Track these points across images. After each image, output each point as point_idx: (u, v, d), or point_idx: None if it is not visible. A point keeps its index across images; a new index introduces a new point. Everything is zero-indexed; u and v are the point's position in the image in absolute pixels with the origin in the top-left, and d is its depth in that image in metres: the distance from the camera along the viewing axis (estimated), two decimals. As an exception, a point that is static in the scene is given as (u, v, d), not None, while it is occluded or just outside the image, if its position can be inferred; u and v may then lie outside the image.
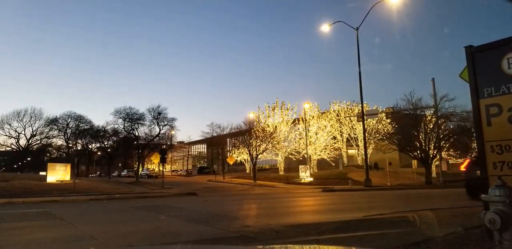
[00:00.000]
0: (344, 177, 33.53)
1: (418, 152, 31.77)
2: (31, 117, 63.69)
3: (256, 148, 38.86)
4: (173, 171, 78.71)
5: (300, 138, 46.34)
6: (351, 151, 53.05)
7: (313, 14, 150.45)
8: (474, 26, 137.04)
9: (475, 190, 10.88)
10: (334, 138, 48.48)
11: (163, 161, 31.34)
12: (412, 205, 11.49)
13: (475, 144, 26.13)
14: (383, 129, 44.46)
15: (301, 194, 20.11)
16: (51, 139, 67.25)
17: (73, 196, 18.08)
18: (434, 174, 33.96)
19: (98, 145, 64.47)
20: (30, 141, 66.37)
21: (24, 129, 64.02)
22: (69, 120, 62.79)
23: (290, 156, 47.21)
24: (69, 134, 63.62)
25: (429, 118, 32.93)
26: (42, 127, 64.37)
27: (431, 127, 32.05)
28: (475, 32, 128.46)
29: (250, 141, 39.41)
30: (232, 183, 35.45)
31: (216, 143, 56.91)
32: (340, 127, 49.46)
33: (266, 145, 40.30)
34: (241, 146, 44.73)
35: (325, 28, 28.67)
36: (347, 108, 50.30)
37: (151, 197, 18.63)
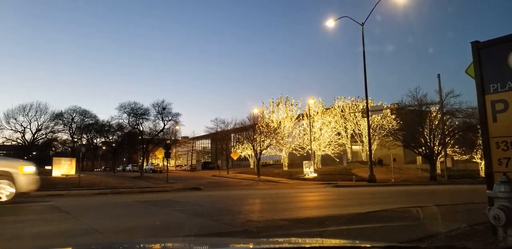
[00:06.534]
0: (348, 173, 33.49)
1: (423, 148, 31.65)
2: (37, 112, 63.82)
3: (260, 144, 38.88)
4: (177, 166, 79.00)
5: (304, 134, 46.28)
6: (356, 147, 52.97)
7: (318, 11, 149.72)
8: (480, 21, 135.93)
9: None
10: (339, 134, 48.38)
11: (167, 156, 31.48)
12: (416, 201, 11.48)
13: (480, 141, 26.01)
14: (388, 125, 44.31)
15: (305, 190, 20.12)
16: (56, 134, 67.52)
17: (78, 190, 18.19)
18: (438, 171, 33.87)
19: (103, 139, 64.76)
20: (35, 136, 66.58)
21: (30, 124, 64.20)
22: (74, 114, 63.02)
23: (294, 151, 47.20)
24: (74, 129, 63.89)
25: (434, 114, 32.77)
26: (48, 121, 64.49)
27: (436, 123, 31.89)
28: (480, 27, 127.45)
29: (254, 137, 39.43)
30: (236, 178, 35.53)
31: (220, 139, 57.07)
32: (345, 123, 49.32)
33: (270, 140, 40.30)
34: (245, 141, 44.78)
35: (330, 23, 28.52)
36: (352, 104, 50.11)
37: (155, 191, 18.71)
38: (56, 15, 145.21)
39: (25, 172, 11.53)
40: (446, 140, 31.77)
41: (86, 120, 63.19)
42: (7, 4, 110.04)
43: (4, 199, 10.81)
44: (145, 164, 53.41)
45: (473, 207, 7.99)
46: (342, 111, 49.12)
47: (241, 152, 50.51)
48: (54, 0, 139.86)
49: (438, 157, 32.45)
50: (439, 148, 31.07)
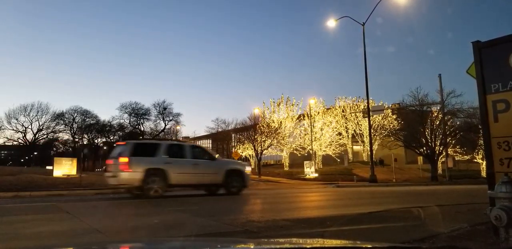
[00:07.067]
0: (349, 173, 33.46)
1: (424, 148, 31.65)
2: (38, 112, 64.03)
3: (261, 144, 38.87)
4: (178, 166, 78.83)
5: (305, 134, 46.29)
6: (357, 147, 52.94)
7: (318, 11, 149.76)
8: (480, 22, 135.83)
9: None
10: (340, 134, 48.37)
11: (168, 156, 31.40)
12: (418, 201, 11.46)
13: (482, 141, 25.99)
14: (389, 125, 44.29)
15: (306, 190, 20.11)
16: (57, 134, 67.70)
17: (79, 190, 18.16)
18: (440, 171, 33.85)
19: (104, 139, 64.84)
20: (36, 136, 66.83)
21: (31, 124, 64.43)
22: (75, 114, 63.17)
23: (295, 151, 47.18)
24: (75, 129, 63.99)
25: (436, 114, 32.76)
26: (49, 121, 64.72)
27: (437, 123, 31.89)
28: (480, 28, 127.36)
29: (255, 137, 39.43)
30: (237, 178, 35.41)
31: (221, 139, 57.09)
32: (346, 123, 49.31)
33: (271, 140, 40.30)
34: (246, 141, 44.78)
35: (331, 23, 28.49)
36: (353, 104, 50.11)
37: (156, 191, 18.66)
38: (56, 15, 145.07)
39: (247, 171, 15.50)
40: (447, 140, 31.75)
41: (87, 120, 63.41)
42: (7, 4, 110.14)
43: (236, 190, 14.60)
44: (146, 164, 53.33)
45: (475, 208, 7.97)
46: (343, 111, 49.10)
47: (242, 152, 50.39)
48: (54, 0, 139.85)
49: (439, 157, 32.44)
50: (440, 148, 31.05)
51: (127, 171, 12.57)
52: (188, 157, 14.02)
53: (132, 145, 13.68)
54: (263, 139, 39.23)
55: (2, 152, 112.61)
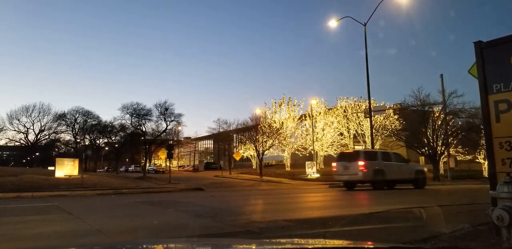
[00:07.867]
0: (350, 174, 33.31)
1: (426, 148, 31.58)
2: (40, 113, 63.98)
3: (262, 144, 38.84)
4: (180, 166, 79.12)
5: (306, 134, 46.24)
6: (358, 148, 52.83)
7: (319, 12, 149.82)
8: (481, 22, 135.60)
9: None
10: (341, 134, 48.29)
11: (170, 156, 31.46)
12: (419, 202, 11.44)
13: (483, 141, 25.93)
14: (391, 126, 44.19)
15: (307, 190, 20.09)
16: (59, 134, 67.63)
17: (81, 190, 18.22)
18: (442, 171, 33.76)
19: (105, 140, 64.74)
20: (38, 136, 66.76)
21: (33, 124, 64.31)
22: (77, 115, 62.97)
23: (296, 152, 47.13)
24: (77, 130, 63.92)
25: (437, 114, 32.67)
26: (51, 122, 64.61)
27: (439, 123, 31.81)
28: (481, 28, 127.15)
29: (257, 137, 39.40)
30: (239, 178, 35.49)
31: (223, 139, 57.11)
32: (347, 123, 49.20)
33: (273, 141, 40.25)
34: (247, 142, 44.75)
35: (333, 23, 28.44)
36: (354, 104, 49.95)
37: (158, 192, 18.73)
38: (56, 15, 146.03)
39: (426, 171, 21.14)
40: (449, 140, 31.67)
41: (88, 121, 63.21)
42: (7, 4, 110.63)
43: (421, 185, 19.37)
44: (147, 164, 53.30)
45: (477, 208, 7.96)
46: (344, 111, 49.01)
47: (244, 153, 50.41)
48: (54, 0, 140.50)
49: (441, 157, 32.36)
50: (442, 148, 30.98)
51: (363, 171, 17.56)
52: (392, 161, 18.91)
53: (363, 153, 19.71)
54: (265, 140, 39.20)
55: (4, 152, 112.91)
